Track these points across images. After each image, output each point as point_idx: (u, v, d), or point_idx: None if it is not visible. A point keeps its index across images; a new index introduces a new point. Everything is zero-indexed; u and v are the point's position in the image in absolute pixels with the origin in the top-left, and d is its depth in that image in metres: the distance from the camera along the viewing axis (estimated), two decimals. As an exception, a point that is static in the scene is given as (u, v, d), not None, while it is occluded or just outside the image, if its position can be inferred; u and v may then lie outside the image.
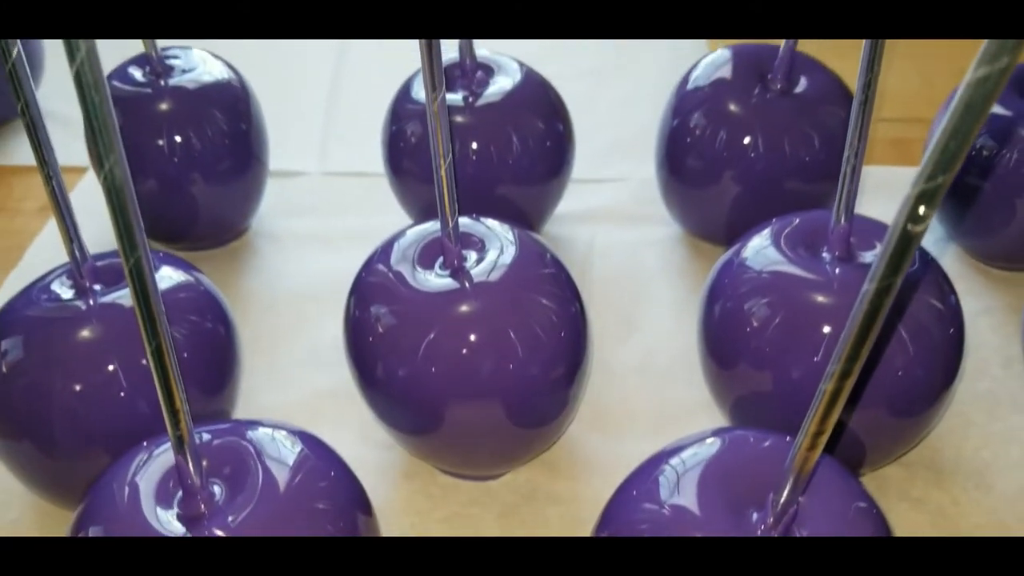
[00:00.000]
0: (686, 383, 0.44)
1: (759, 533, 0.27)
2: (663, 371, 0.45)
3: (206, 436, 0.31)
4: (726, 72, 0.49)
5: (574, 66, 0.66)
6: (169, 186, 0.49)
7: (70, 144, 0.62)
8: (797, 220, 0.39)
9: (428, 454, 0.39)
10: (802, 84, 0.48)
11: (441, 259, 0.37)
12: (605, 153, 0.59)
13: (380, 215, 0.55)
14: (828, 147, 0.48)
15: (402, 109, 0.50)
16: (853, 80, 0.37)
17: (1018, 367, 0.44)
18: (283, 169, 0.57)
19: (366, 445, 0.41)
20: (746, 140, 0.48)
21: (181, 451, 0.28)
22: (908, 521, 0.38)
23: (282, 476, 0.30)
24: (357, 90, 0.66)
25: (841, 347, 0.23)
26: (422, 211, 0.50)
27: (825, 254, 0.38)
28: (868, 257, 0.37)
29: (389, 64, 0.66)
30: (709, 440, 0.31)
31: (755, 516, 0.28)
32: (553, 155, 0.50)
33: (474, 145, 0.48)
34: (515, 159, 0.48)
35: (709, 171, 0.49)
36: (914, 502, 0.39)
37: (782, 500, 0.27)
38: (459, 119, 0.48)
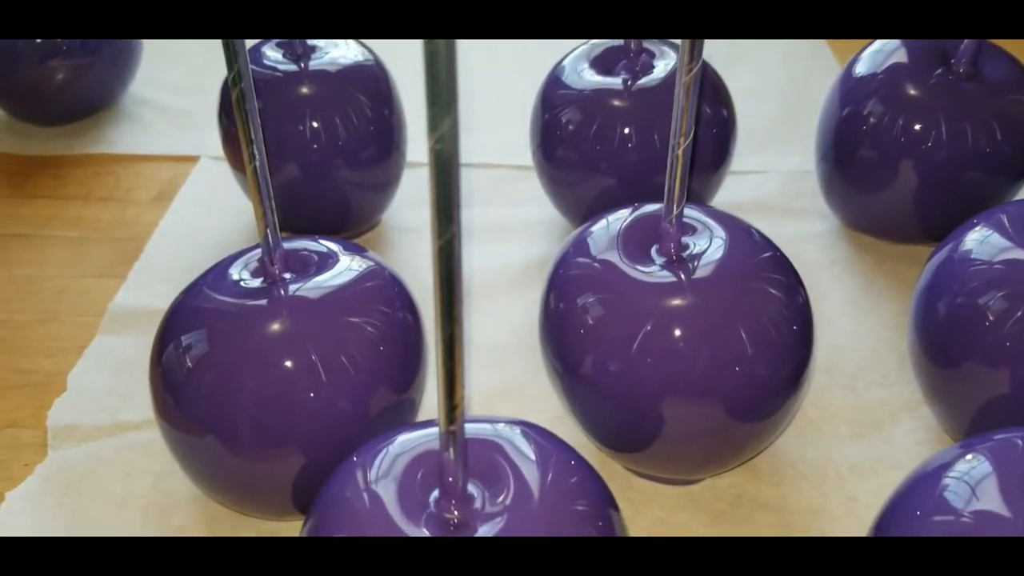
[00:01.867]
0: (879, 384, 0.42)
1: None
2: (852, 372, 0.42)
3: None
4: (902, 56, 0.47)
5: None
6: (310, 173, 0.47)
7: (172, 134, 0.60)
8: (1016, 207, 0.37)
9: (631, 454, 0.37)
10: (987, 70, 0.46)
11: (656, 247, 0.35)
12: (740, 146, 0.57)
13: (519, 207, 0.52)
14: (1012, 138, 0.46)
15: (554, 96, 0.47)
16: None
17: None
18: (417, 160, 0.55)
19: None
20: (926, 129, 0.45)
21: (450, 447, 0.25)
22: None
23: (536, 479, 0.27)
24: (487, 79, 0.63)
25: None
26: (576, 202, 0.48)
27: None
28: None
29: (517, 52, 0.64)
30: (1000, 441, 0.28)
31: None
32: (717, 141, 0.47)
33: (634, 131, 0.45)
34: (665, 146, 0.46)
35: (884, 161, 0.46)
36: None
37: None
38: (617, 103, 0.45)
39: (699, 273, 0.33)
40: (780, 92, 0.63)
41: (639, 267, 0.34)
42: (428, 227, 0.55)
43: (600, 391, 0.34)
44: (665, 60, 0.47)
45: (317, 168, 0.47)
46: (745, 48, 0.66)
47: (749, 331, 0.33)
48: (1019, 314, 0.34)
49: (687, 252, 0.34)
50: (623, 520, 0.29)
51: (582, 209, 0.47)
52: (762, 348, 0.33)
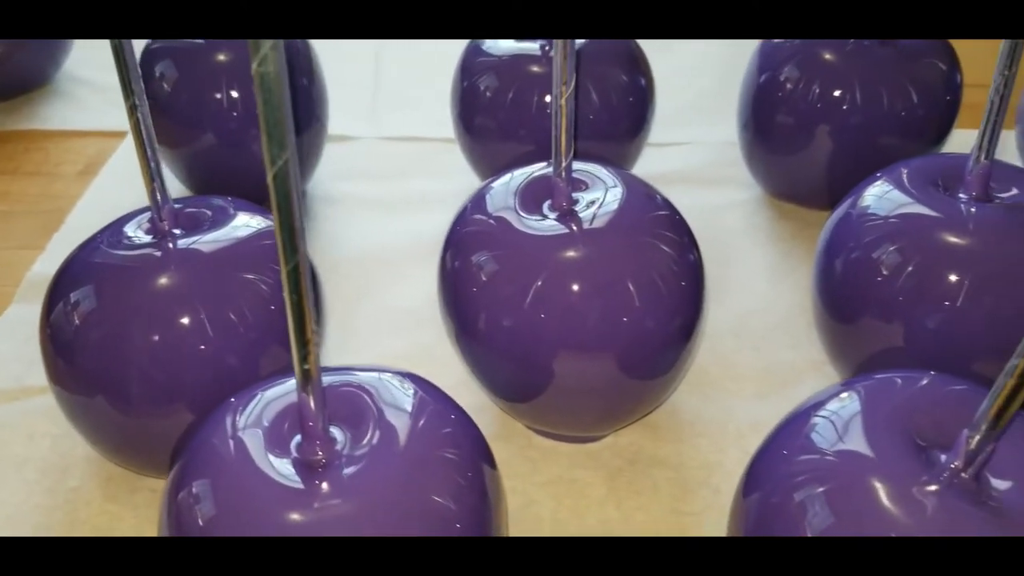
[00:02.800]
0: (789, 346, 0.42)
1: (946, 475, 0.25)
2: (761, 334, 0.42)
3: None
4: (816, 23, 0.47)
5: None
6: (226, 141, 0.47)
7: (104, 110, 0.59)
8: (923, 163, 0.37)
9: (529, 412, 0.36)
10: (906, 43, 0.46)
11: (549, 201, 0.35)
12: (672, 118, 0.57)
13: (441, 179, 0.52)
14: (927, 102, 0.46)
15: (473, 64, 0.47)
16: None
17: None
18: (338, 133, 0.55)
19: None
20: (842, 94, 0.45)
21: (307, 388, 0.25)
22: None
23: (404, 423, 0.27)
24: (405, 55, 0.63)
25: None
26: (496, 170, 0.47)
27: (962, 195, 0.35)
28: (1008, 198, 0.35)
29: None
30: (870, 383, 0.28)
31: (942, 458, 0.25)
32: (634, 110, 0.47)
33: (548, 97, 0.45)
34: (595, 112, 0.46)
35: (801, 127, 0.46)
36: None
37: (977, 438, 0.24)
38: (535, 69, 0.45)
39: (587, 226, 0.33)
40: (716, 66, 0.63)
41: (529, 221, 0.34)
42: (353, 199, 0.56)
43: (492, 347, 0.34)
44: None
45: (234, 136, 0.46)
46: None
47: (637, 284, 0.33)
48: (911, 268, 0.34)
49: (578, 206, 0.34)
50: (497, 477, 0.29)
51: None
52: (650, 302, 0.33)
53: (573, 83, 0.32)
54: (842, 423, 0.27)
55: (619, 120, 0.47)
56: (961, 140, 0.52)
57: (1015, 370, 0.23)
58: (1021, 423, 0.27)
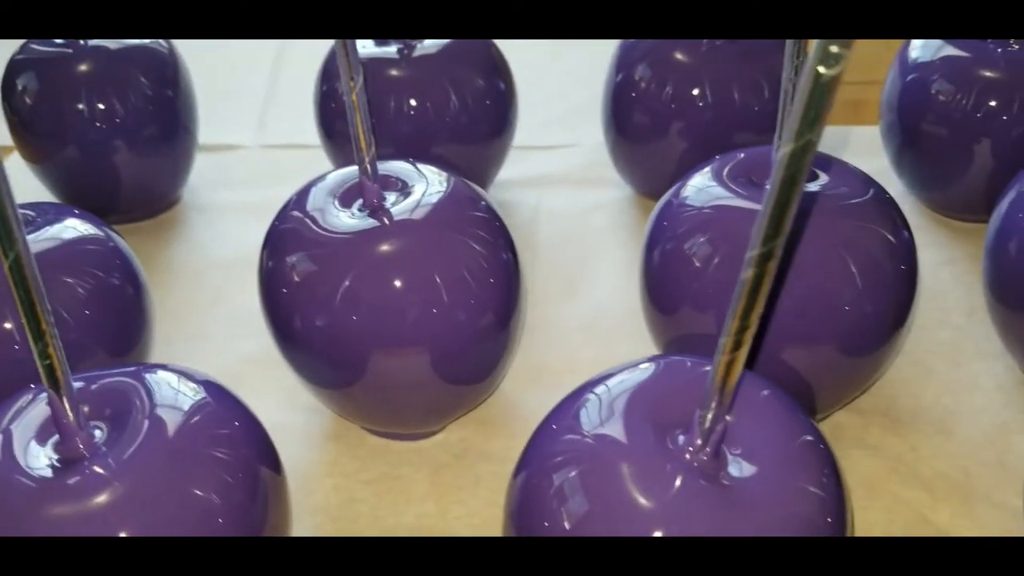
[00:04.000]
0: (633, 339, 0.42)
1: (687, 456, 0.25)
2: (609, 329, 0.43)
3: (90, 381, 0.29)
4: (670, 22, 0.47)
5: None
6: (90, 153, 0.47)
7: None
8: (740, 156, 0.37)
9: (353, 412, 0.37)
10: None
11: (361, 200, 0.35)
12: (559, 119, 0.57)
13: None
14: (778, 96, 0.46)
15: (334, 67, 0.47)
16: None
17: (981, 315, 0.42)
18: (219, 142, 0.55)
19: (291, 410, 0.39)
20: (694, 91, 0.46)
21: (53, 384, 0.25)
22: (864, 467, 0.36)
23: (174, 420, 0.28)
24: (302, 61, 0.64)
25: (760, 224, 0.21)
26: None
27: (769, 186, 0.35)
28: (814, 187, 0.35)
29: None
30: (639, 367, 0.28)
31: (682, 439, 0.26)
32: (493, 114, 0.48)
33: (410, 100, 0.46)
34: (452, 116, 0.46)
35: (656, 126, 0.47)
36: (870, 449, 0.37)
37: (709, 416, 0.24)
38: (393, 72, 0.46)
39: (394, 222, 0.34)
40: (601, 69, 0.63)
41: (336, 220, 0.34)
42: (227, 207, 0.56)
43: (304, 347, 0.35)
44: (440, 32, 0.47)
45: (97, 148, 0.47)
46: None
47: (445, 280, 0.34)
48: (718, 259, 0.34)
49: (388, 203, 0.35)
50: (281, 480, 0.30)
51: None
52: (458, 298, 0.34)
53: (361, 78, 0.32)
54: (606, 404, 0.27)
55: (478, 123, 0.47)
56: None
57: (724, 348, 0.23)
58: (757, 396, 0.27)
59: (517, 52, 0.54)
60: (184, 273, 0.47)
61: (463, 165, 0.47)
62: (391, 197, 0.35)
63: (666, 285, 0.36)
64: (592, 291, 0.45)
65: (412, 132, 0.46)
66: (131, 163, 0.48)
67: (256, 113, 0.59)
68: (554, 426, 0.28)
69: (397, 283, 0.33)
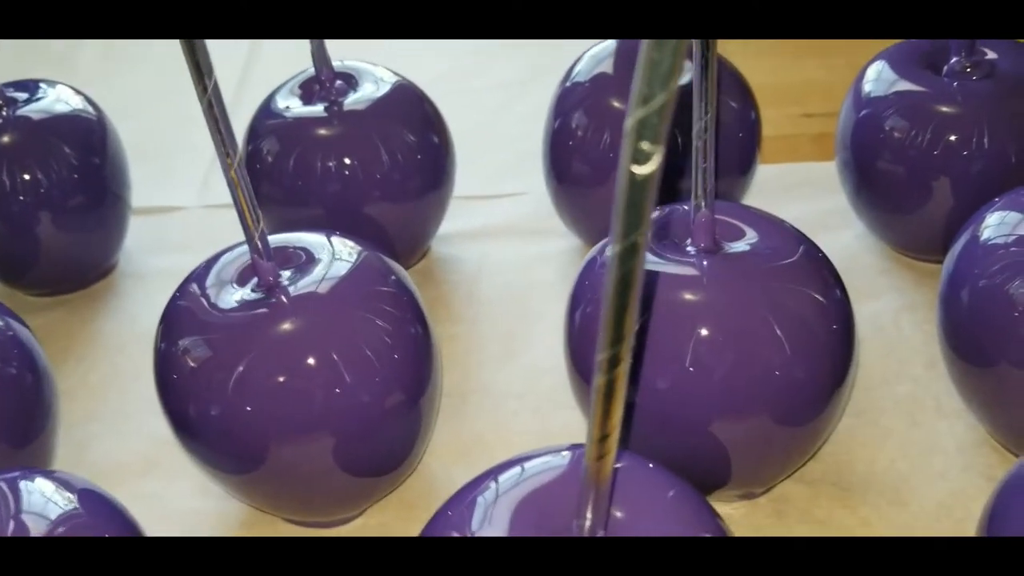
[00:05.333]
0: (571, 406, 0.39)
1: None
2: (546, 395, 0.40)
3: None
4: (608, 67, 0.45)
5: (495, 76, 0.63)
6: (13, 227, 0.45)
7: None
8: (658, 213, 0.35)
9: (259, 501, 0.35)
10: (687, 74, 0.44)
11: (256, 278, 0.33)
12: (509, 167, 0.55)
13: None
14: (725, 139, 0.44)
15: (261, 126, 0.46)
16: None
17: (942, 367, 0.39)
18: (159, 205, 0.54)
19: (205, 496, 0.37)
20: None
21: None
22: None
23: (39, 531, 0.26)
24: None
25: (604, 330, 0.19)
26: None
27: (689, 247, 0.33)
28: (738, 247, 0.33)
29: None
30: (542, 458, 0.26)
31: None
32: (427, 169, 0.46)
33: (338, 159, 0.44)
34: (384, 173, 0.44)
35: (596, 174, 0.45)
36: (818, 524, 0.34)
37: (586, 524, 0.22)
38: (320, 131, 0.44)
39: (287, 302, 0.32)
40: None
41: (228, 299, 0.32)
42: (162, 273, 0.54)
43: (198, 436, 0.33)
44: (369, 84, 0.45)
45: (20, 220, 0.45)
46: (552, 62, 0.65)
47: (345, 358, 0.32)
48: (636, 326, 0.32)
49: (283, 281, 0.33)
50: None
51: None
52: (363, 376, 0.32)
53: (237, 154, 0.30)
54: (501, 498, 0.25)
55: (410, 178, 0.45)
56: (772, 174, 0.50)
57: (588, 455, 0.21)
58: (654, 491, 0.25)
59: (466, 95, 0.53)
60: (108, 347, 0.45)
61: (398, 222, 0.46)
62: (287, 274, 0.33)
63: (586, 351, 0.34)
64: (531, 352, 0.43)
65: (341, 191, 0.44)
66: (57, 235, 0.46)
67: (202, 172, 0.57)
68: (448, 515, 0.25)
69: (291, 366, 0.31)
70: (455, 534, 0.24)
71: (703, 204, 0.32)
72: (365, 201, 0.44)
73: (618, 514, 0.24)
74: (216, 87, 0.28)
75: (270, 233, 0.45)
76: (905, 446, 0.36)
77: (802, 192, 0.51)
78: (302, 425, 0.32)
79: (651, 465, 0.26)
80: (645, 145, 0.16)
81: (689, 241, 0.33)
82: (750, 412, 0.32)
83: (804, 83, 0.62)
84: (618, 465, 0.26)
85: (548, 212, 0.51)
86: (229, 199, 0.54)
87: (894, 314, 0.42)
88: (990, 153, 0.41)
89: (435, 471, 0.37)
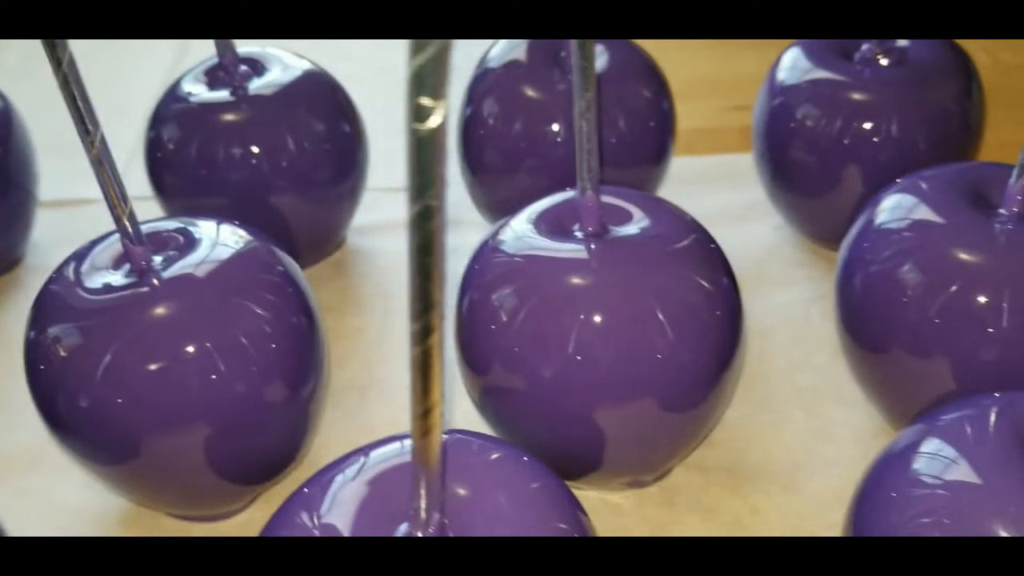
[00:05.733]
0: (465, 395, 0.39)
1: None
2: (447, 386, 0.39)
3: None
4: (520, 53, 0.44)
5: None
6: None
7: None
8: (550, 199, 0.34)
9: (137, 496, 0.34)
10: (603, 62, 0.44)
11: (128, 265, 0.32)
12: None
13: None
14: (637, 128, 0.44)
15: (164, 112, 0.45)
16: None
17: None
18: (69, 198, 0.52)
19: (91, 491, 0.36)
20: (547, 127, 0.43)
21: None
22: (698, 533, 0.33)
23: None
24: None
25: (411, 301, 0.18)
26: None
27: (577, 232, 0.33)
28: (625, 231, 0.32)
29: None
30: (389, 445, 0.25)
31: (404, 527, 0.22)
32: (337, 158, 0.45)
33: (241, 147, 0.43)
34: (291, 161, 0.43)
35: (508, 163, 0.44)
36: (707, 512, 0.33)
37: (421, 506, 0.21)
38: (226, 117, 0.43)
39: (159, 285, 0.31)
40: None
41: (98, 283, 0.31)
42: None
43: (67, 427, 0.32)
44: (276, 71, 0.44)
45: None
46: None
47: (219, 346, 0.31)
48: (524, 313, 0.31)
49: (156, 265, 0.32)
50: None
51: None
52: (237, 365, 0.31)
53: (99, 132, 0.29)
54: (345, 487, 0.24)
55: (318, 169, 0.44)
56: (693, 166, 0.50)
57: (414, 432, 0.20)
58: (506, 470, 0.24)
59: (393, 86, 0.51)
60: (10, 340, 0.44)
61: (306, 212, 0.45)
62: (159, 259, 0.32)
63: (473, 339, 0.33)
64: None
65: (246, 180, 0.43)
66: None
67: (119, 166, 0.56)
68: (295, 503, 0.25)
69: (161, 353, 0.30)
70: (300, 523, 0.24)
71: (588, 187, 0.32)
72: (271, 190, 0.43)
73: (460, 491, 0.23)
74: (72, 61, 0.27)
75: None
76: (802, 434, 0.36)
77: (723, 184, 0.50)
78: (174, 416, 0.31)
79: (498, 443, 0.26)
80: (425, 100, 0.15)
81: (577, 226, 0.33)
82: (634, 397, 0.31)
83: (736, 76, 0.62)
84: (466, 443, 0.25)
85: (468, 204, 0.50)
86: (145, 191, 0.54)
87: (805, 304, 0.42)
88: (899, 141, 0.41)
89: (324, 463, 0.36)
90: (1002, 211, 0.32)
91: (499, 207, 0.46)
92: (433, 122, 0.15)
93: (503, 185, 0.45)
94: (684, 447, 0.33)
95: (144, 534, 0.34)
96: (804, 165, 0.43)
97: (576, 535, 0.24)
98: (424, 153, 0.16)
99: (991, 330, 0.31)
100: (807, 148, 0.42)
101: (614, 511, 0.34)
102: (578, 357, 0.31)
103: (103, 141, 0.29)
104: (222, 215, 0.41)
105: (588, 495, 0.34)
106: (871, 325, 0.33)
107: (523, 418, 0.32)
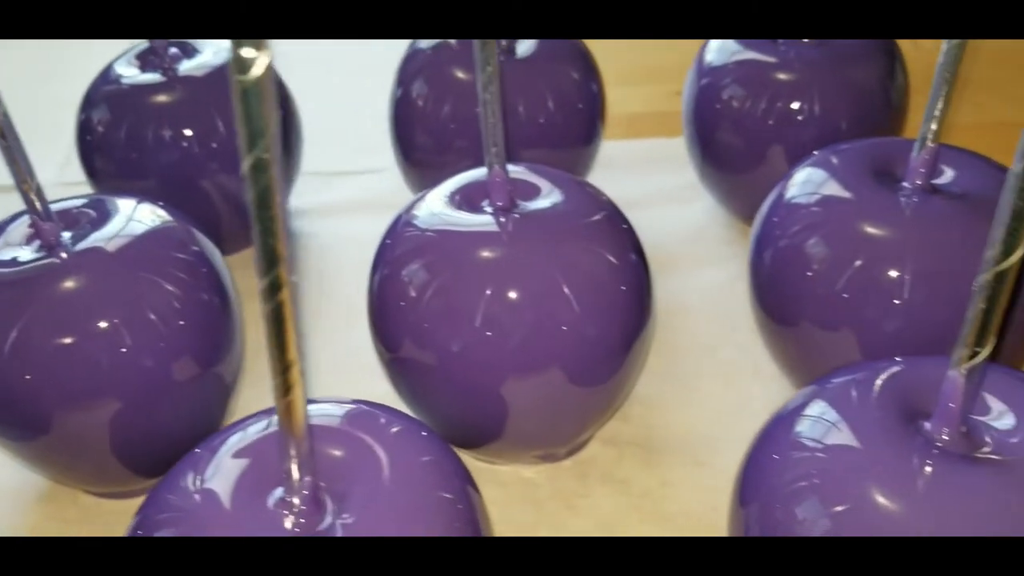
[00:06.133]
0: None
1: (284, 514, 0.22)
2: (368, 367, 0.39)
3: None
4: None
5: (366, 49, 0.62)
6: None
7: None
8: (465, 176, 0.35)
9: (53, 472, 0.34)
10: (532, 45, 0.44)
11: (38, 242, 0.32)
12: (374, 143, 0.54)
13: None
14: (564, 109, 0.44)
15: (95, 94, 0.44)
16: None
17: (768, 332, 0.39)
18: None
19: (8, 467, 0.36)
20: (477, 108, 0.43)
21: None
22: (606, 506, 0.33)
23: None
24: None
25: (257, 258, 0.18)
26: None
27: (486, 207, 0.33)
28: (534, 205, 0.33)
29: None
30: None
31: (275, 500, 0.23)
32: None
33: (173, 129, 0.43)
34: (220, 143, 0.43)
35: (439, 145, 0.44)
36: (618, 484, 0.34)
37: (292, 468, 0.21)
38: (157, 98, 0.43)
39: (68, 259, 0.31)
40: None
41: (5, 258, 0.32)
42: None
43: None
44: (207, 54, 0.45)
45: None
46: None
47: (124, 317, 0.31)
48: (433, 288, 0.32)
49: (65, 240, 0.32)
50: None
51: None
52: (145, 341, 0.31)
53: (1, 107, 0.29)
54: (223, 459, 0.24)
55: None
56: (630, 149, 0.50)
57: (276, 391, 0.20)
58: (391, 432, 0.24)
59: (335, 71, 0.51)
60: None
61: (234, 195, 0.45)
62: (69, 234, 0.32)
63: (384, 315, 0.33)
64: (363, 326, 0.42)
65: (176, 162, 0.43)
66: None
67: (64, 151, 0.56)
68: (173, 480, 0.25)
69: (68, 326, 0.30)
70: (183, 488, 0.24)
71: (495, 163, 0.32)
72: (201, 173, 0.44)
73: (345, 458, 0.24)
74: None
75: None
76: (717, 409, 0.36)
77: (659, 167, 0.51)
78: (82, 391, 0.31)
79: (398, 415, 0.26)
80: (246, 52, 0.15)
81: (487, 202, 0.33)
82: (540, 370, 0.31)
83: (683, 61, 0.62)
84: (366, 415, 0.26)
85: (405, 188, 0.50)
86: (79, 177, 0.54)
87: (732, 281, 0.42)
88: (821, 120, 0.41)
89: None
90: (905, 184, 0.32)
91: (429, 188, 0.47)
92: (256, 71, 0.15)
93: (434, 166, 0.45)
94: (594, 421, 0.34)
95: (60, 511, 0.34)
96: (730, 145, 0.43)
97: (461, 507, 0.24)
98: (250, 104, 0.16)
99: (895, 301, 0.31)
100: (733, 129, 0.43)
101: (526, 484, 0.34)
102: (484, 331, 0.31)
103: (6, 116, 0.29)
104: (153, 198, 0.41)
105: (502, 469, 0.35)
106: (780, 299, 0.34)
107: (433, 393, 0.33)
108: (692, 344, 0.39)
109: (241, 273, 0.44)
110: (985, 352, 0.22)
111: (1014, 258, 0.20)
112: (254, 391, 0.38)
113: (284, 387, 0.20)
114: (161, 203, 0.36)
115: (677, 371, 0.38)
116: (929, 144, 0.31)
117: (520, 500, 0.33)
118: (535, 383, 0.31)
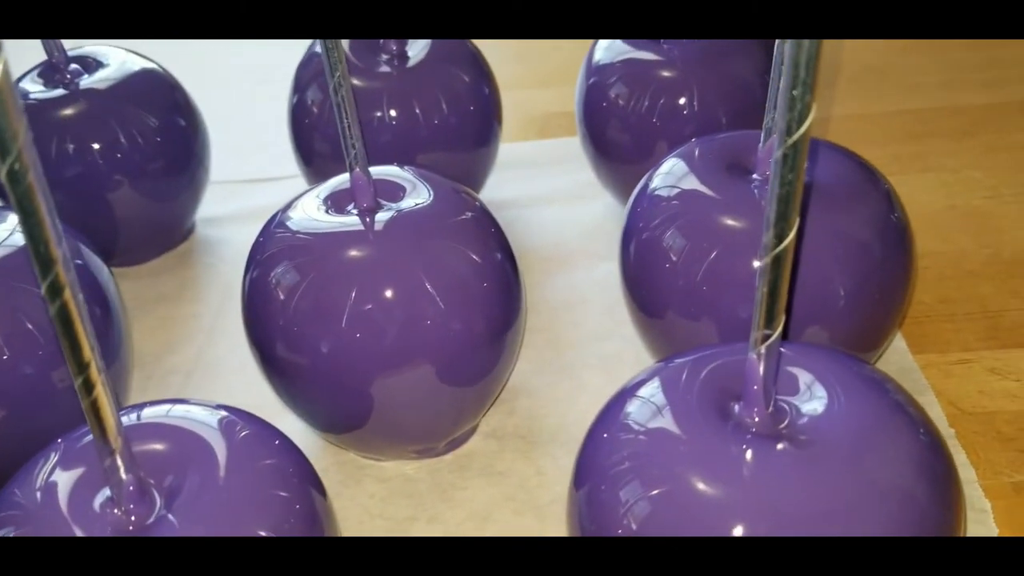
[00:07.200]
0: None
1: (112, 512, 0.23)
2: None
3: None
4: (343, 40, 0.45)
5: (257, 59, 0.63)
6: None
7: None
8: (338, 179, 0.36)
9: None
10: (423, 49, 0.45)
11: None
12: (283, 151, 0.55)
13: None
14: (459, 110, 0.45)
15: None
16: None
17: (654, 323, 0.40)
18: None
19: None
20: (371, 112, 0.44)
21: None
22: (482, 497, 0.34)
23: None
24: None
25: (33, 263, 0.19)
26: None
27: (352, 209, 0.34)
28: (398, 206, 0.33)
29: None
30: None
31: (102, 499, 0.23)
32: (171, 151, 0.46)
33: (74, 143, 0.44)
34: (124, 154, 0.44)
35: (335, 149, 0.45)
36: (496, 476, 0.35)
37: (107, 465, 0.22)
38: (63, 112, 0.44)
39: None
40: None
41: None
42: None
43: None
44: (110, 68, 0.45)
45: None
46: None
47: (5, 331, 0.32)
48: (303, 287, 0.32)
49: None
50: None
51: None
52: (26, 347, 0.32)
53: None
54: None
55: (152, 160, 0.45)
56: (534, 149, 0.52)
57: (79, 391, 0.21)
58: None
59: (245, 83, 0.52)
60: None
61: (140, 205, 0.46)
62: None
63: (257, 316, 0.34)
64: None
65: (83, 173, 0.44)
66: None
67: None
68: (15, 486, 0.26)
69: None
70: (28, 492, 0.24)
71: (355, 164, 0.33)
72: (105, 185, 0.44)
73: (172, 451, 0.24)
74: None
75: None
76: (597, 399, 0.37)
77: (563, 167, 0.52)
78: None
79: (254, 420, 0.27)
80: None
81: (352, 204, 0.34)
82: (409, 366, 0.32)
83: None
84: (223, 419, 0.26)
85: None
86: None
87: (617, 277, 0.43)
88: (701, 116, 0.42)
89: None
90: (755, 176, 0.33)
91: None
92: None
93: (332, 173, 0.45)
94: (468, 415, 0.34)
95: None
96: (619, 142, 0.44)
97: (299, 507, 0.25)
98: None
99: (748, 289, 0.32)
100: (621, 126, 0.44)
101: (407, 479, 0.35)
102: (350, 329, 0.32)
103: None
104: (58, 211, 0.42)
105: (386, 465, 0.36)
106: (646, 291, 0.35)
107: (306, 391, 0.33)
108: (581, 336, 0.40)
109: (149, 282, 0.45)
110: (777, 333, 0.23)
111: (787, 241, 0.21)
112: (156, 396, 0.39)
113: (86, 387, 0.21)
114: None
115: (564, 363, 0.39)
116: (773, 135, 0.32)
117: (399, 494, 0.34)
118: (404, 379, 0.32)
